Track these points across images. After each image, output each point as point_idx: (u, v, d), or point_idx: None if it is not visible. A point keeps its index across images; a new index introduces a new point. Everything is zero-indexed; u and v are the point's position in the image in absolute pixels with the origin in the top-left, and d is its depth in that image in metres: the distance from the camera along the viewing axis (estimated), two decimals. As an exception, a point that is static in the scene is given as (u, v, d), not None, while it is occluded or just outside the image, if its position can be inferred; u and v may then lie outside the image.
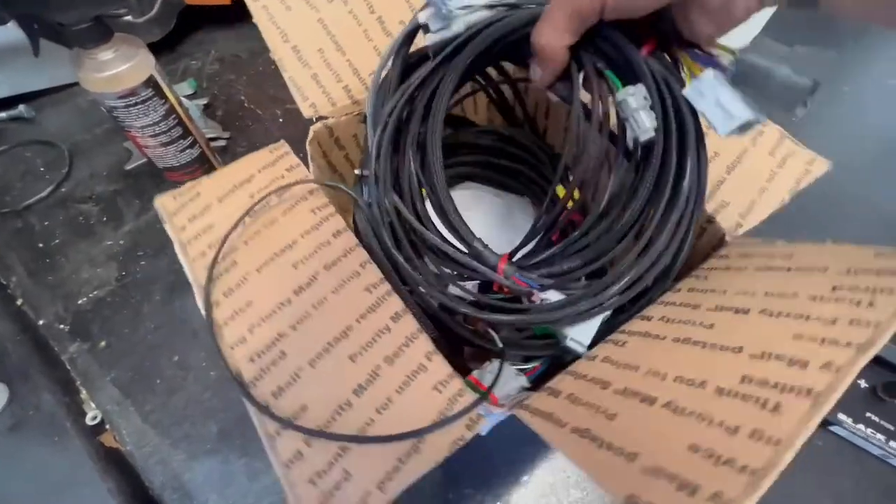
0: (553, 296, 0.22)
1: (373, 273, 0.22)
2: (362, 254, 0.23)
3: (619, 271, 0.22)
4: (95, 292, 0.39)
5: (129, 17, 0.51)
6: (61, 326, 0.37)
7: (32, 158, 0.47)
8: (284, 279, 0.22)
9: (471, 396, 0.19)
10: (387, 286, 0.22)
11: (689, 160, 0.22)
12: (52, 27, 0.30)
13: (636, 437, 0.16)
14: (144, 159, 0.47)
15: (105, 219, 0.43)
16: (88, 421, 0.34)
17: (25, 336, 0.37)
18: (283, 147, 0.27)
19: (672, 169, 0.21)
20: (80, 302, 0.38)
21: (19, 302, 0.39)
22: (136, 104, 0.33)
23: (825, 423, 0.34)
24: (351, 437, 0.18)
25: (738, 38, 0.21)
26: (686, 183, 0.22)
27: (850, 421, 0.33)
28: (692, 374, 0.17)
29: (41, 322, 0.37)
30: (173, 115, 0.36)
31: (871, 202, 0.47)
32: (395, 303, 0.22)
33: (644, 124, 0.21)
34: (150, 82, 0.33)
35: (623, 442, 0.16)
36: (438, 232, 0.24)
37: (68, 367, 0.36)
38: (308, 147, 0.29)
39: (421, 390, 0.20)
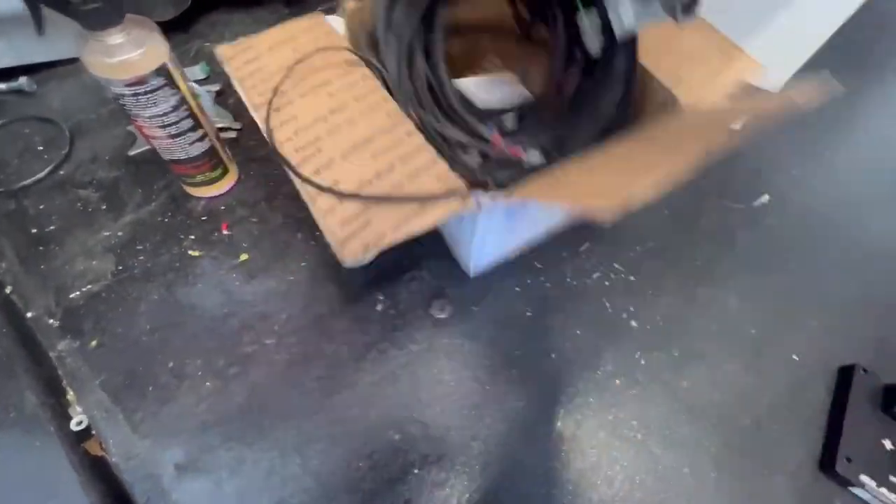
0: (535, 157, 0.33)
1: (392, 104, 0.30)
2: (384, 92, 0.31)
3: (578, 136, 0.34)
4: (90, 286, 0.37)
5: (142, -7, 0.49)
6: (51, 321, 0.35)
7: (31, 135, 0.45)
8: (321, 103, 0.30)
9: (465, 189, 0.27)
10: (403, 114, 0.30)
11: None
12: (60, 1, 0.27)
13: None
14: (148, 145, 0.44)
15: (105, 207, 0.41)
16: (73, 426, 0.32)
17: (11, 328, 0.35)
18: (320, 16, 0.35)
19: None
20: (72, 296, 0.36)
21: (8, 290, 0.36)
22: (145, 93, 0.31)
23: (847, 483, 0.33)
24: (373, 197, 0.26)
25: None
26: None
27: (873, 484, 0.32)
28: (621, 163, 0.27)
29: (30, 315, 0.35)
30: (184, 107, 0.33)
31: (858, 232, 0.46)
32: (410, 125, 0.29)
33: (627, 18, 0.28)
34: (163, 71, 0.31)
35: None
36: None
37: (55, 366, 0.34)
38: (346, 20, 0.35)
39: (426, 180, 0.27)
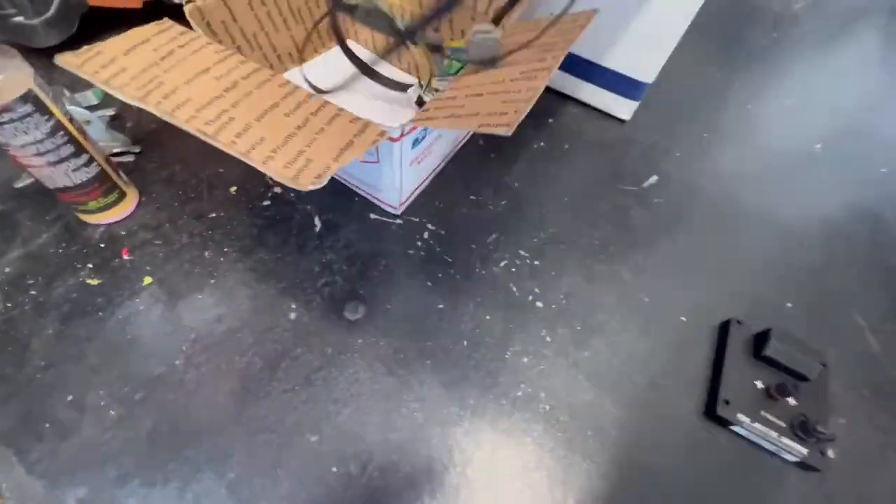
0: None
1: (280, 77, 0.33)
2: (268, 70, 0.33)
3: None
4: (-27, 328, 0.35)
5: (20, 18, 0.47)
6: (-72, 369, 0.33)
7: None
8: (211, 85, 0.31)
9: (376, 126, 0.32)
10: (294, 85, 0.33)
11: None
12: None
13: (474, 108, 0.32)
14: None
15: (-12, 244, 0.39)
16: (-40, 476, 0.30)
17: None
18: (167, 21, 0.35)
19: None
20: (-47, 340, 0.34)
21: None
22: (11, 121, 0.30)
23: (727, 424, 0.37)
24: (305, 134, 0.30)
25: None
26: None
27: (748, 420, 0.36)
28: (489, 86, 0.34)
29: None
30: (61, 132, 0.33)
31: (767, 209, 0.52)
32: (305, 91, 0.32)
33: None
34: (29, 97, 0.30)
35: (469, 111, 0.32)
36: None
37: (-64, 416, 0.31)
38: (189, 18, 0.40)
39: (342, 123, 0.31)
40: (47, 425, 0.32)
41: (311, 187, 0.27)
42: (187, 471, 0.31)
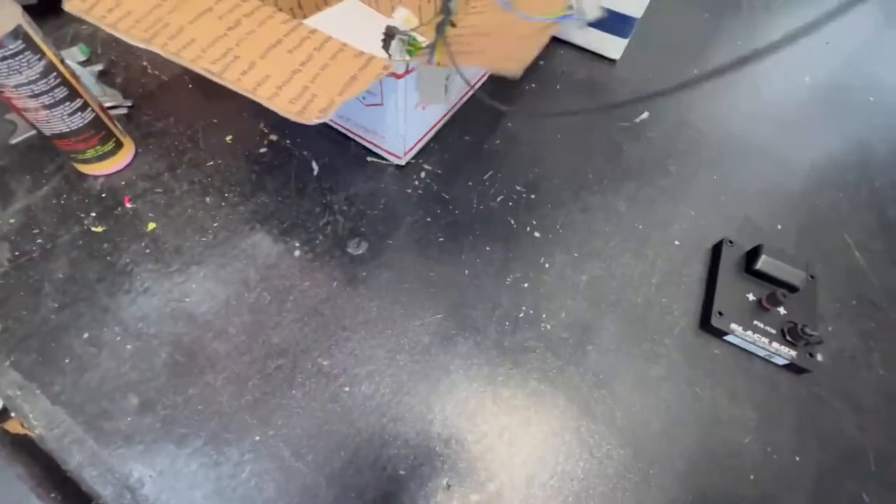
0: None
1: (282, 14, 0.33)
2: (270, 7, 0.33)
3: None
4: (-16, 276, 0.35)
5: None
6: (-55, 314, 0.34)
7: None
8: (214, 25, 0.31)
9: (380, 60, 0.32)
10: (297, 21, 0.33)
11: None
12: None
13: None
14: (32, 132, 0.42)
15: (-10, 198, 0.39)
16: (-13, 409, 0.31)
17: None
18: None
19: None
20: (-35, 287, 0.35)
21: None
22: (4, 59, 0.30)
23: (721, 334, 0.38)
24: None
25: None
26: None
27: (740, 329, 0.38)
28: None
29: (-81, 312, 0.34)
30: (54, 73, 0.33)
31: (758, 140, 0.53)
32: (308, 27, 0.32)
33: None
34: (19, 33, 0.30)
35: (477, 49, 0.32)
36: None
37: (-42, 357, 0.32)
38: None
39: (345, 58, 0.31)
40: (67, 360, 0.33)
41: (317, 121, 0.28)
42: (208, 394, 0.32)
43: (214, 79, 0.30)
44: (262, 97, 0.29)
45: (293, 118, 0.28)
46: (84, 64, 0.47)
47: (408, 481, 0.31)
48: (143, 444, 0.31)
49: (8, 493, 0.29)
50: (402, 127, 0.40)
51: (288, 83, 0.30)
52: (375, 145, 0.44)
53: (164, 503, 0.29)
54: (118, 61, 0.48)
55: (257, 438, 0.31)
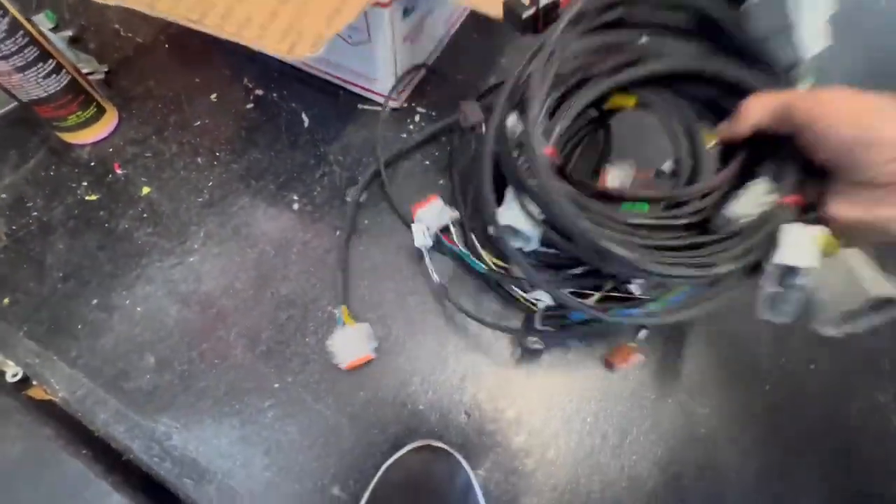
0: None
1: None
2: None
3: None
4: (-16, 252, 0.35)
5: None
6: (-48, 292, 0.33)
7: None
8: None
9: None
10: None
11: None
12: None
13: None
14: (13, 104, 0.41)
15: (-23, 175, 0.38)
16: (9, 378, 0.31)
17: (-89, 309, 0.33)
18: None
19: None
20: (-32, 264, 0.34)
21: None
22: (-35, 16, 0.28)
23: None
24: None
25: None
26: None
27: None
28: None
29: (-74, 291, 0.33)
30: (21, 32, 0.31)
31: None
32: None
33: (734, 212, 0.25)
34: (-22, -12, 0.28)
35: None
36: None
37: (-29, 331, 0.32)
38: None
39: None
40: (80, 326, 0.33)
41: (308, 55, 0.27)
42: (222, 348, 0.33)
43: (195, 26, 0.28)
44: (248, 39, 0.28)
45: (283, 56, 0.27)
46: (53, 31, 0.45)
47: (428, 415, 0.32)
48: (165, 399, 0.31)
49: (39, 455, 0.29)
50: (393, 63, 0.38)
51: (271, 23, 0.29)
52: (366, 89, 0.43)
53: (192, 451, 0.30)
54: (88, 26, 0.46)
55: (276, 386, 0.32)
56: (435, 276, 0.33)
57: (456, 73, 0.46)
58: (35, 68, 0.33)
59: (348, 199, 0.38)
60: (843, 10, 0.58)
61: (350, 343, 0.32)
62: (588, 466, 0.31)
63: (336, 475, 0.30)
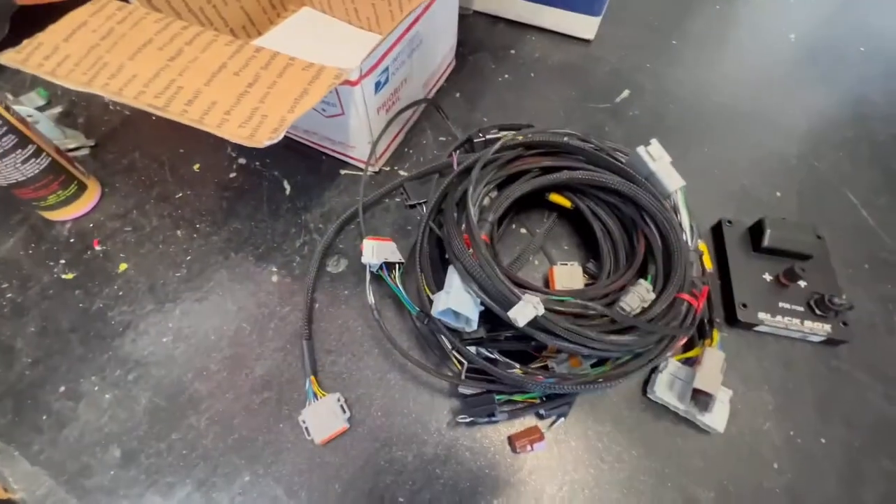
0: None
1: (225, 36, 0.32)
2: (211, 31, 0.33)
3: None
4: (-46, 337, 0.34)
5: (-53, 28, 0.45)
6: (-84, 383, 0.32)
7: None
8: (156, 58, 0.31)
9: (331, 69, 0.31)
10: (241, 42, 0.32)
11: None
12: None
13: None
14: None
15: (-44, 256, 0.38)
16: (-34, 477, 0.30)
17: None
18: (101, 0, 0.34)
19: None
20: (-64, 352, 0.33)
21: None
22: (-59, 112, 0.28)
23: (750, 326, 0.36)
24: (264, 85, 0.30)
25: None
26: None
27: (769, 317, 0.35)
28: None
29: None
30: (-1, 122, 0.31)
31: (746, 106, 0.50)
32: (254, 44, 0.32)
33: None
34: (-46, 85, 0.28)
35: None
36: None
37: (-68, 426, 0.31)
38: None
39: (294, 72, 0.31)
40: (44, 417, 0.31)
41: (268, 142, 0.27)
42: (192, 437, 0.31)
43: (159, 113, 0.28)
44: (210, 126, 0.28)
45: (243, 142, 0.27)
46: (44, 107, 0.46)
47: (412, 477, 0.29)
48: (128, 498, 0.29)
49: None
50: (368, 133, 0.38)
51: (236, 107, 0.29)
52: (346, 156, 0.43)
53: (154, 559, 0.28)
54: (78, 101, 0.47)
55: (247, 479, 0.30)
56: (370, 298, 0.33)
57: (437, 133, 0.46)
58: (13, 155, 0.33)
59: (329, 269, 0.38)
60: (805, 44, 0.58)
61: (323, 417, 0.30)
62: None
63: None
